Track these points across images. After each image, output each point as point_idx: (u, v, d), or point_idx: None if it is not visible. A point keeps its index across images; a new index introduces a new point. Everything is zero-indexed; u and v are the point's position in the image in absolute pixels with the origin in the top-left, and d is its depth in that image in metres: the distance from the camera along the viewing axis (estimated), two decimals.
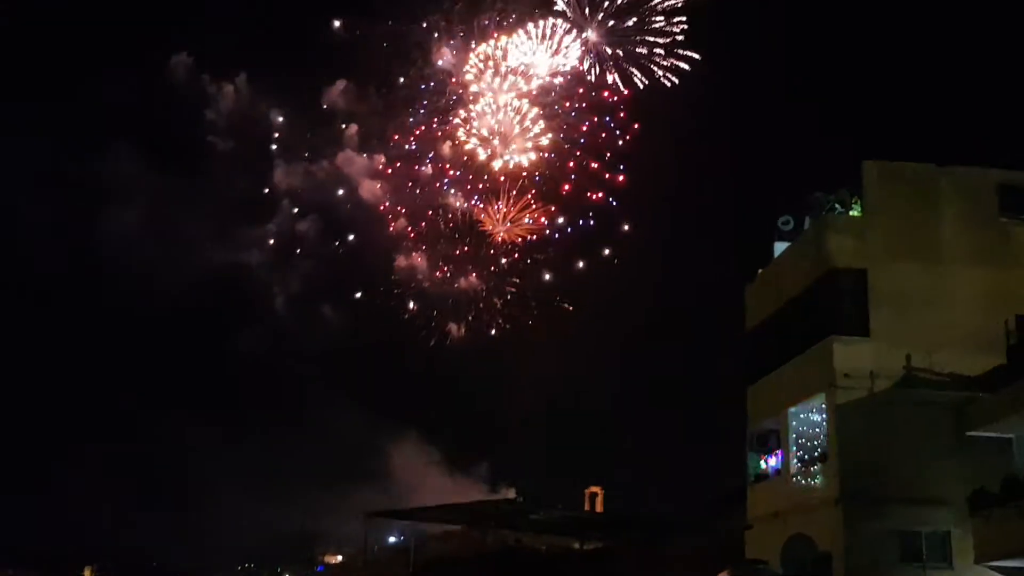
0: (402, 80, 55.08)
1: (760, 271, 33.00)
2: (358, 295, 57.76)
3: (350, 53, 57.45)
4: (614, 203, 53.46)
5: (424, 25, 54.18)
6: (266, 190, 58.04)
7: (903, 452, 25.43)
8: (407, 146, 56.46)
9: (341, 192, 57.59)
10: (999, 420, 24.30)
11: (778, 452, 30.62)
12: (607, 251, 55.73)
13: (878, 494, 25.34)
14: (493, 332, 55.44)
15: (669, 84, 50.70)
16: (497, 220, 54.92)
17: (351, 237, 57.46)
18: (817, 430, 28.51)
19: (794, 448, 29.36)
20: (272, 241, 59.58)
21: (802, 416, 29.29)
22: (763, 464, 31.77)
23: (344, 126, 57.64)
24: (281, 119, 57.80)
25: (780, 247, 31.56)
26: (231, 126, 59.54)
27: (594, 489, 45.13)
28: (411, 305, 56.20)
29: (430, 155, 55.93)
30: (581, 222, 55.94)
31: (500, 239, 55.22)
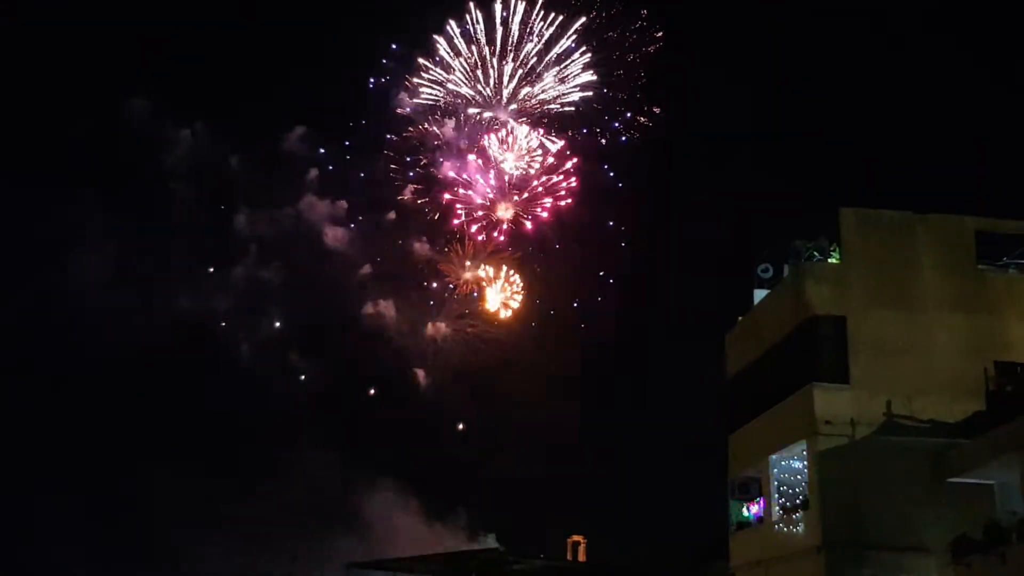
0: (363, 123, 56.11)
1: (740, 319, 33.14)
2: (324, 343, 58.17)
3: (309, 100, 58.30)
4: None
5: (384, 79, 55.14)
6: (229, 235, 58.69)
7: (885, 499, 25.41)
8: (369, 192, 57.14)
9: (304, 237, 58.19)
10: (980, 466, 24.35)
11: (760, 500, 30.55)
12: (576, 303, 56.56)
13: (860, 541, 25.29)
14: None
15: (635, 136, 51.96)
16: (460, 265, 55.40)
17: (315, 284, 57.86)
18: (799, 477, 28.49)
19: (776, 496, 29.32)
20: (238, 287, 59.87)
21: (783, 463, 29.28)
22: (745, 512, 31.68)
23: (305, 173, 58.39)
24: (239, 164, 58.60)
25: (760, 295, 31.72)
26: (191, 171, 59.90)
27: (577, 538, 44.77)
28: (380, 352, 56.48)
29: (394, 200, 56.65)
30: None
31: (462, 285, 55.74)
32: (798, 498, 28.29)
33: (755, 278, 31.78)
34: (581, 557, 43.29)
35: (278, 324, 60.34)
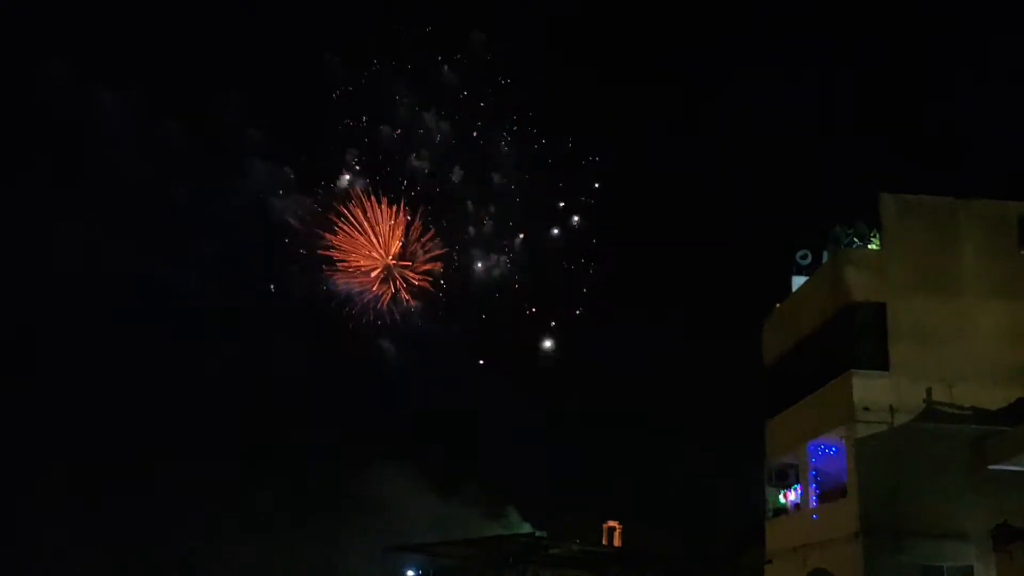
0: None
1: (778, 306, 32.98)
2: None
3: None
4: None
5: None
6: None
7: (924, 486, 25.27)
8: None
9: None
10: (1022, 453, 24.13)
11: (797, 487, 30.46)
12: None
13: (899, 528, 25.17)
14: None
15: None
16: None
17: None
18: (836, 465, 28.35)
19: (813, 483, 29.22)
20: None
21: (821, 450, 29.16)
22: (782, 499, 31.60)
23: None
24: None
25: (798, 281, 31.56)
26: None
27: (612, 524, 44.84)
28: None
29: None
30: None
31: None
32: (836, 485, 28.17)
33: (793, 265, 31.63)
34: (617, 543, 43.36)
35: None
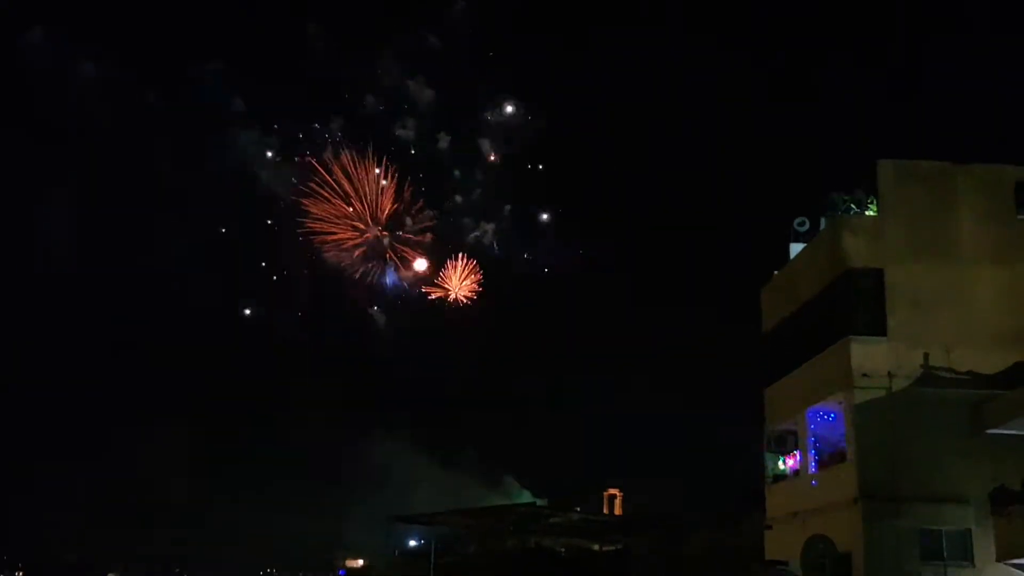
0: None
1: (776, 273, 33.01)
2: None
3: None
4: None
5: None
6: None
7: (922, 451, 25.41)
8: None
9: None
10: (1019, 417, 24.25)
11: (796, 453, 30.63)
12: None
13: (897, 493, 25.35)
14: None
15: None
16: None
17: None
18: (835, 430, 28.50)
19: (812, 449, 29.38)
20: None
21: (820, 416, 29.29)
22: (781, 465, 31.77)
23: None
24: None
25: (796, 248, 31.55)
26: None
27: (613, 491, 45.16)
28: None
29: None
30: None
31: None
32: (835, 450, 28.32)
33: (791, 232, 31.61)
34: (617, 510, 43.67)
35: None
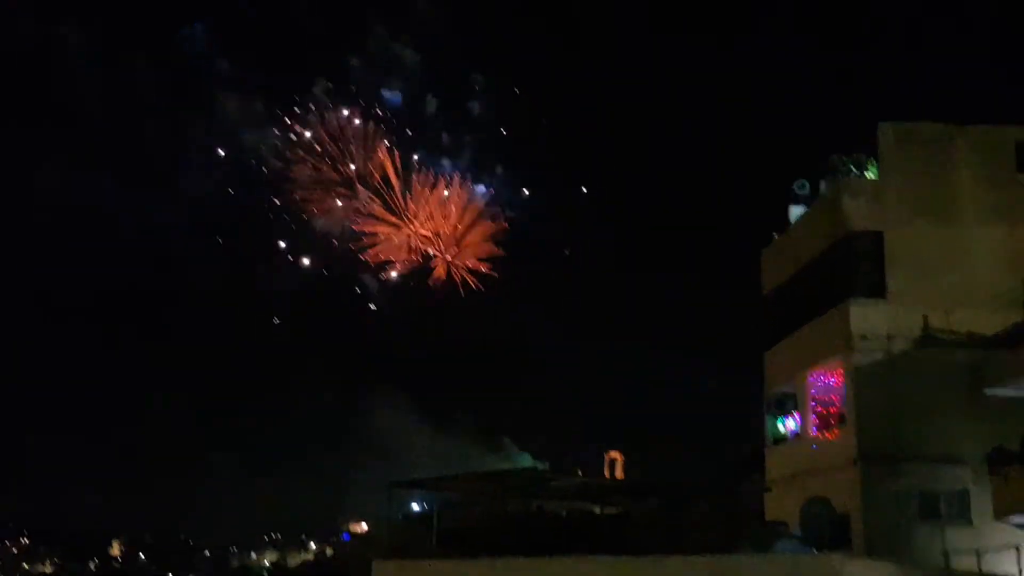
0: None
1: (776, 236, 33.00)
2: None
3: None
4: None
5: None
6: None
7: (921, 412, 25.54)
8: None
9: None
10: (1017, 378, 24.36)
11: (796, 415, 30.78)
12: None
13: (896, 454, 25.52)
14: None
15: None
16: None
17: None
18: (835, 393, 28.62)
19: (812, 411, 29.51)
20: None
21: (820, 379, 29.41)
22: (781, 427, 31.95)
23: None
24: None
25: (796, 211, 31.53)
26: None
27: (614, 455, 45.30)
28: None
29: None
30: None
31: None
32: (834, 413, 28.46)
33: (791, 194, 31.57)
34: (618, 474, 43.85)
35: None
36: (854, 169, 28.71)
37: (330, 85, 57.79)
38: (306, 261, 59.95)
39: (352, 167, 57.51)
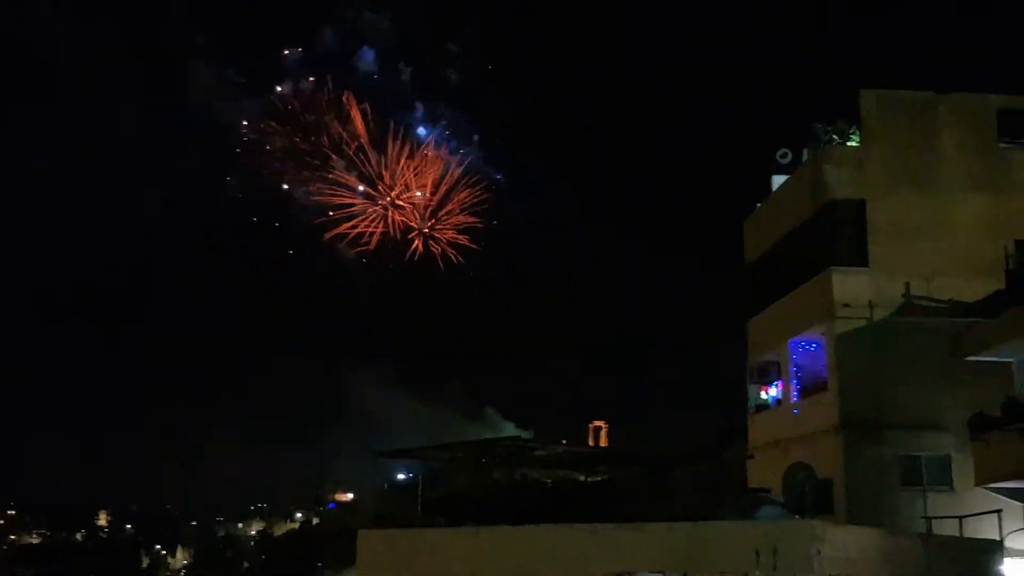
0: None
1: (758, 205, 33.02)
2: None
3: None
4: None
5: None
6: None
7: (903, 379, 25.71)
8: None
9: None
10: (998, 344, 24.49)
11: (778, 383, 30.95)
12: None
13: (878, 421, 25.72)
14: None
15: None
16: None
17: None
18: (817, 361, 28.77)
19: (794, 379, 29.68)
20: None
21: (802, 347, 29.55)
22: (764, 395, 32.12)
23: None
24: None
25: (778, 180, 31.54)
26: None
27: (598, 423, 45.63)
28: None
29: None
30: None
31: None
32: (816, 380, 28.63)
33: (774, 163, 31.56)
34: (603, 442, 44.16)
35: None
36: (836, 138, 28.70)
37: (302, 53, 57.23)
38: (282, 232, 59.65)
39: (326, 139, 57.09)
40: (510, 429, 49.43)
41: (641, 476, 28.88)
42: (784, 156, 31.09)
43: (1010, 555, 22.73)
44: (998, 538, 22.70)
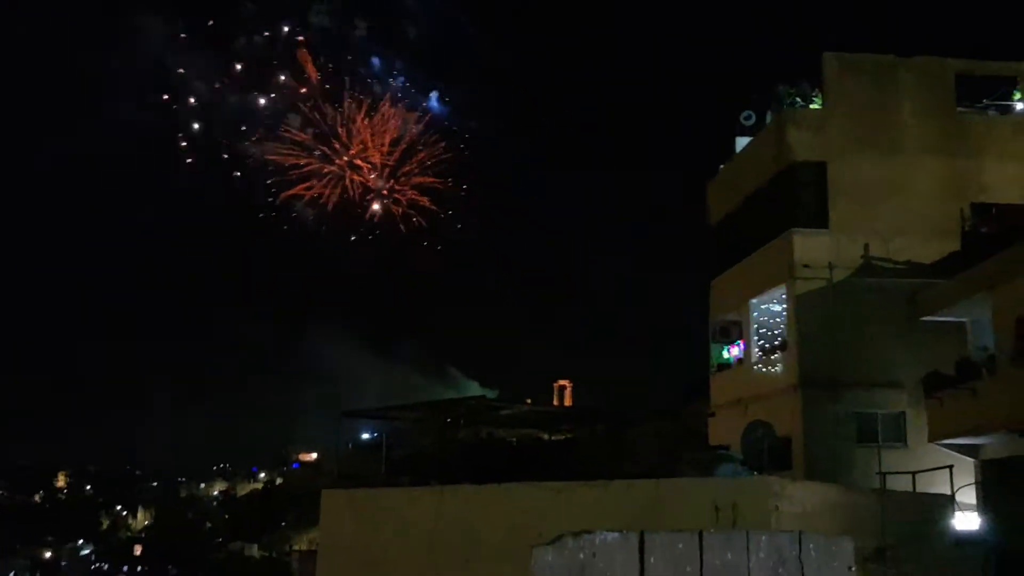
0: None
1: (722, 167, 33.28)
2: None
3: None
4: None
5: None
6: None
7: (860, 339, 26.17)
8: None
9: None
10: (953, 305, 25.01)
11: (740, 342, 31.39)
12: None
13: (836, 379, 26.21)
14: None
15: None
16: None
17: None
18: (778, 320, 29.23)
19: (755, 338, 30.13)
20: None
21: (763, 307, 29.99)
22: (725, 354, 32.57)
23: None
24: None
25: (742, 142, 31.80)
26: None
27: (563, 382, 46.01)
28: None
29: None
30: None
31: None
32: (777, 340, 29.10)
33: (737, 125, 31.78)
34: (567, 401, 44.56)
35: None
36: (799, 100, 28.97)
37: (254, 6, 56.41)
38: (243, 191, 59.11)
39: (279, 95, 56.42)
40: (474, 388, 49.70)
41: (605, 434, 29.28)
42: (748, 118, 31.31)
43: (960, 509, 23.32)
44: (949, 492, 23.27)
